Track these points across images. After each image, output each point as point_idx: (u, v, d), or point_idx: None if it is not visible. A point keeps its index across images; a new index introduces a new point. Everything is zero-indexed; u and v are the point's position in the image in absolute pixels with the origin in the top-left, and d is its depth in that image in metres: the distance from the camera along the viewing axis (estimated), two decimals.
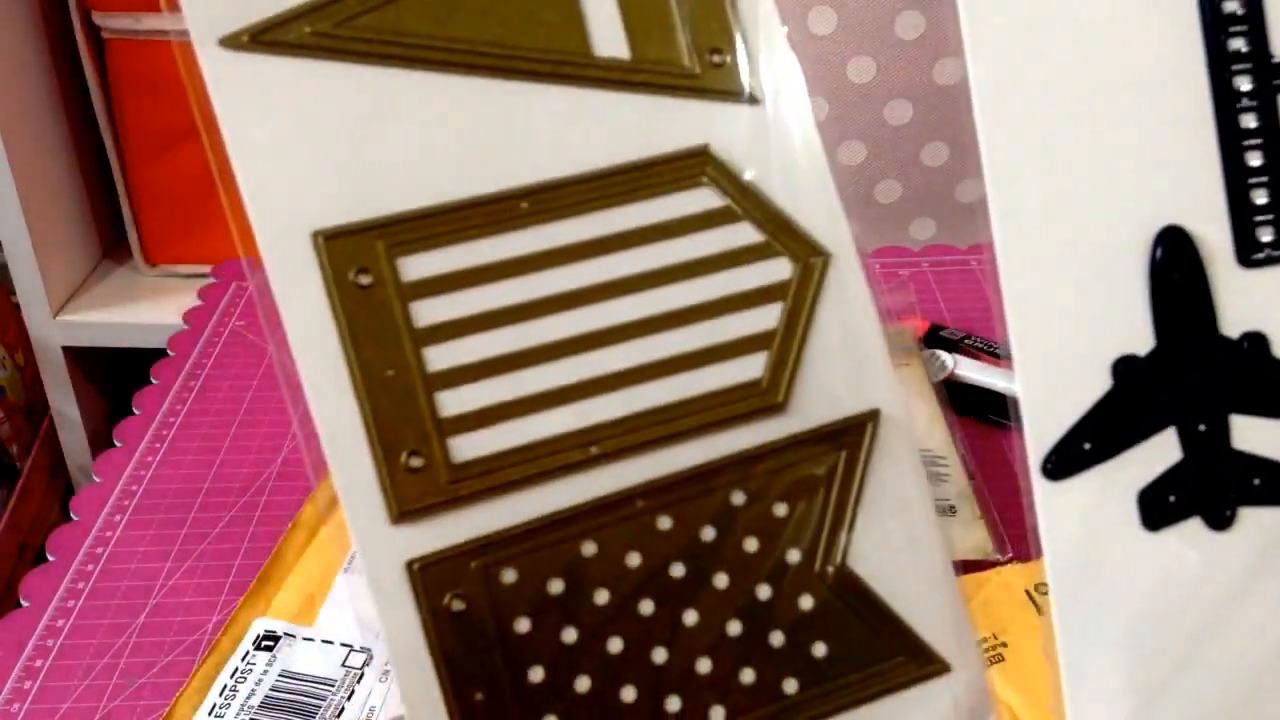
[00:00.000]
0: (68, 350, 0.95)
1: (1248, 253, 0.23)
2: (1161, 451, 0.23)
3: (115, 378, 1.01)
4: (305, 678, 0.51)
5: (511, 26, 0.22)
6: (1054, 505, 0.23)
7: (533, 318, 0.23)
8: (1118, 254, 0.22)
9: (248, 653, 0.52)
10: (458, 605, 0.22)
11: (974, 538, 0.57)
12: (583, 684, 0.23)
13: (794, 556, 0.24)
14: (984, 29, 0.23)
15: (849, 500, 0.24)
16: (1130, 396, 0.23)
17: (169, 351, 0.75)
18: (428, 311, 0.23)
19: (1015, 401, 0.23)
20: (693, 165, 0.24)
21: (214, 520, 0.61)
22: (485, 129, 0.23)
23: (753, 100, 0.24)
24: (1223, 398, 0.22)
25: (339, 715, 0.50)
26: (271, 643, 0.53)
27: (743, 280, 0.24)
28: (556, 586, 0.23)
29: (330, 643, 0.53)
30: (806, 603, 0.24)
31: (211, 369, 0.73)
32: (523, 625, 0.23)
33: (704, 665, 0.23)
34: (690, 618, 0.23)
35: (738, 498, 0.24)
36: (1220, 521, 0.23)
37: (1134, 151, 0.22)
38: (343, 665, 0.52)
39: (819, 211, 0.24)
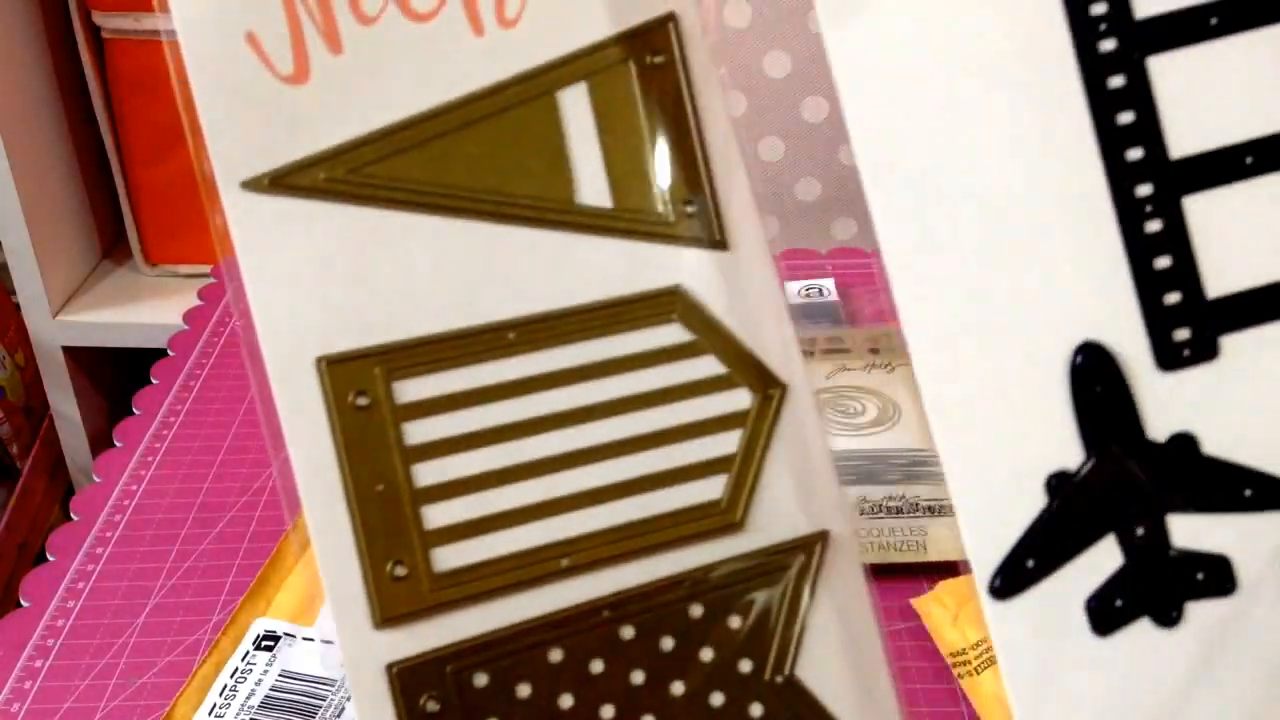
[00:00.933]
0: (68, 350, 0.95)
1: (1166, 357, 0.23)
2: (1104, 558, 0.23)
3: (115, 378, 1.01)
4: (305, 678, 0.51)
5: (504, 176, 0.25)
6: (1005, 623, 0.24)
7: (514, 439, 0.25)
8: (1037, 370, 0.23)
9: (248, 653, 0.52)
10: (432, 706, 0.25)
11: None
12: None
13: (746, 666, 0.26)
14: (877, 146, 0.24)
15: (798, 613, 0.26)
16: (1066, 511, 0.23)
17: (169, 351, 0.75)
18: (418, 431, 0.25)
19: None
20: (664, 303, 0.26)
21: (214, 520, 0.61)
22: (478, 267, 0.25)
23: (720, 245, 0.26)
24: (1157, 501, 0.23)
25: (339, 715, 0.49)
26: (271, 643, 0.53)
27: (706, 408, 0.26)
28: (524, 691, 0.25)
29: (330, 643, 0.53)
30: (756, 710, 0.26)
31: (211, 369, 0.73)
32: None
33: None
34: None
35: (695, 610, 0.26)
36: (1168, 620, 0.23)
37: (1042, 267, 0.23)
38: (343, 665, 0.51)
39: (776, 346, 0.26)
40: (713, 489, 0.26)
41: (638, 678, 0.25)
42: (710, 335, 0.26)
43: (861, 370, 0.68)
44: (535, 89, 0.26)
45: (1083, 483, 0.23)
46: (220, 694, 0.50)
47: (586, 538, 0.25)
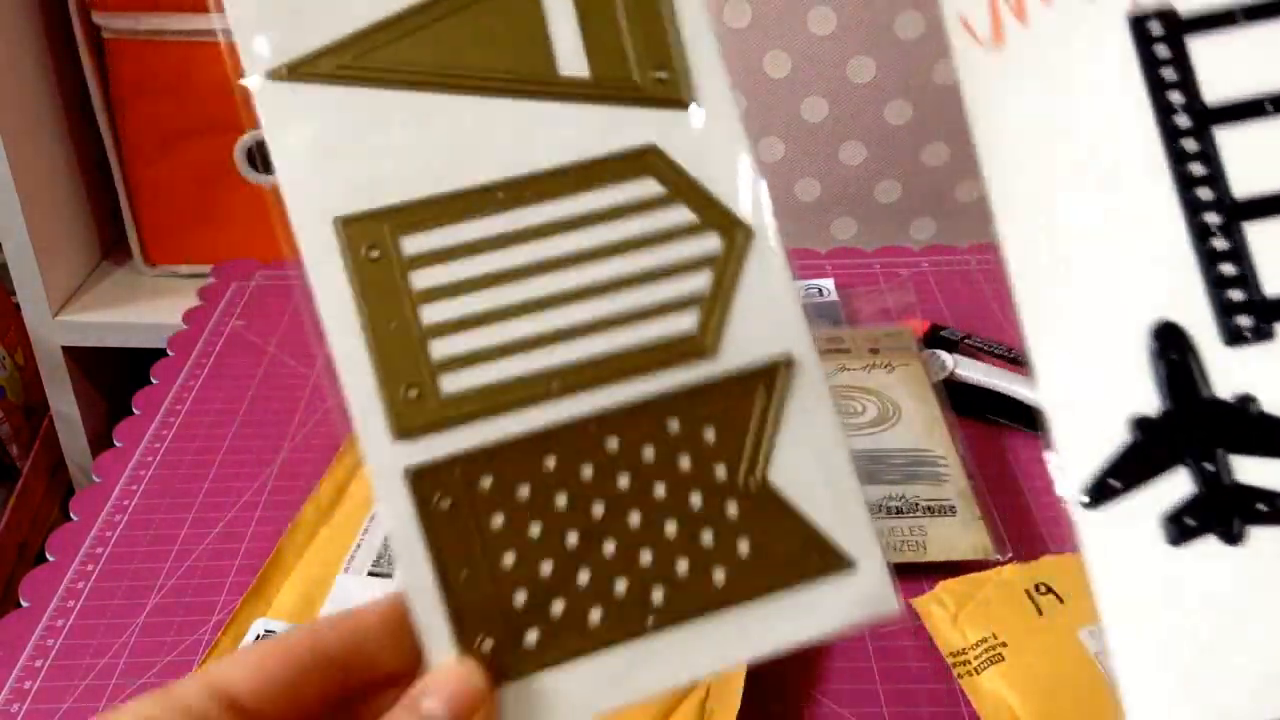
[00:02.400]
0: (68, 350, 0.95)
1: (1231, 336, 0.30)
2: (1176, 486, 0.29)
3: (115, 378, 1.01)
4: None
5: (491, 55, 0.30)
6: (1092, 527, 0.29)
7: (506, 283, 0.29)
8: (1126, 340, 0.30)
9: None
10: (444, 503, 0.29)
11: (974, 538, 0.57)
12: (546, 568, 0.29)
13: (721, 472, 0.30)
14: (1001, 161, 0.31)
15: (767, 425, 0.30)
16: (1146, 443, 0.29)
17: (169, 351, 0.75)
18: (422, 278, 0.29)
19: (1048, 436, 0.30)
20: (639, 160, 0.30)
21: (214, 520, 0.61)
22: (469, 135, 0.29)
23: (689, 106, 0.30)
24: (1222, 443, 0.29)
25: None
26: None
27: (680, 252, 0.30)
28: (523, 491, 0.29)
29: None
30: (732, 509, 0.30)
31: (211, 369, 0.74)
32: (497, 520, 0.29)
33: (646, 557, 0.29)
34: (634, 519, 0.29)
35: (673, 425, 0.30)
36: (1232, 538, 0.29)
37: (1133, 266, 0.30)
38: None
39: (743, 194, 0.30)
40: (687, 321, 0.30)
41: (623, 481, 0.29)
42: (681, 187, 0.30)
43: (861, 370, 0.68)
44: None
45: (1160, 423, 0.29)
46: None
47: (574, 365, 0.29)
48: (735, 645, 0.29)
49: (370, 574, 0.56)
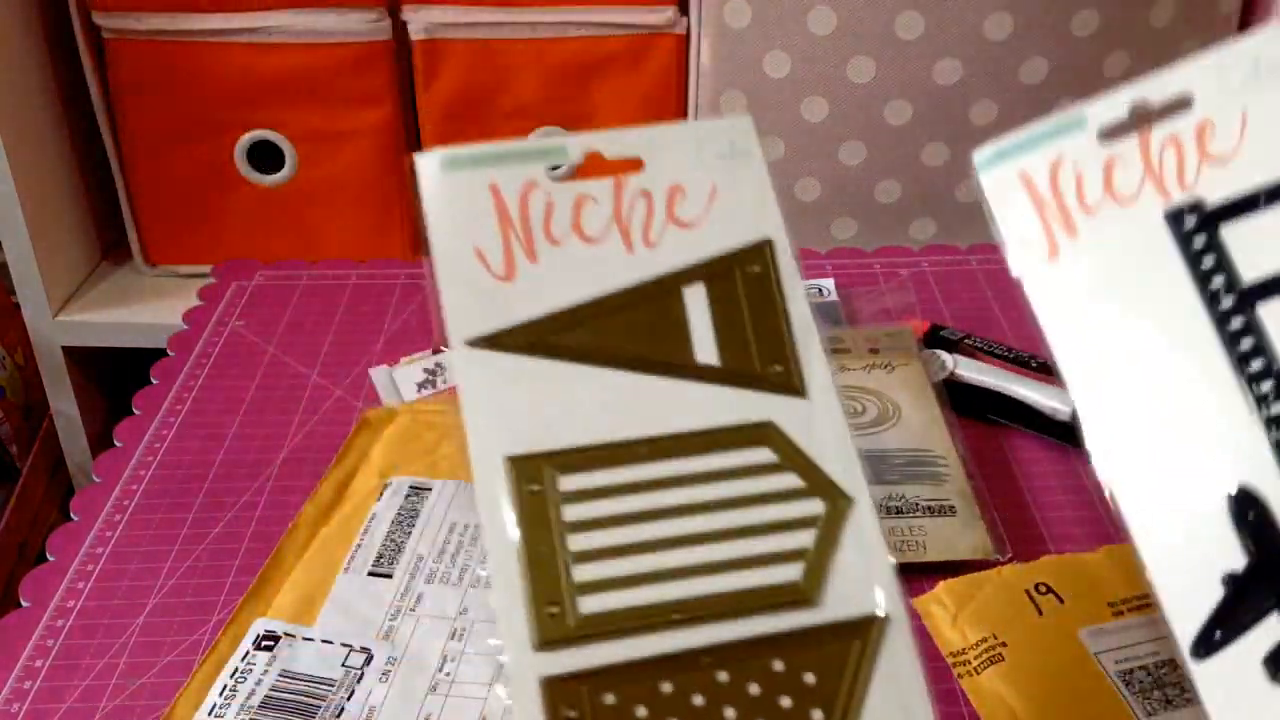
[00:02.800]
0: (68, 350, 0.95)
1: None
2: (1272, 630, 0.32)
3: (115, 378, 1.01)
4: (305, 678, 0.51)
5: (643, 342, 0.36)
6: (1206, 676, 0.33)
7: (641, 523, 0.34)
8: (1210, 508, 0.33)
9: (248, 653, 0.52)
10: (571, 714, 0.32)
11: (974, 538, 0.57)
12: None
13: (817, 715, 0.33)
14: (1078, 369, 0.36)
15: (860, 675, 0.33)
16: (1238, 599, 0.33)
17: (169, 351, 0.75)
18: (573, 512, 0.34)
19: (1159, 601, 0.34)
20: (757, 432, 0.35)
21: (214, 520, 0.61)
22: (621, 401, 0.35)
23: (799, 394, 0.36)
24: None
25: (339, 715, 0.50)
26: (271, 643, 0.53)
27: (788, 512, 0.35)
28: (641, 712, 0.32)
29: (330, 643, 0.53)
30: None
31: (211, 369, 0.74)
32: None
33: None
34: None
35: (777, 664, 0.33)
36: None
37: (1205, 437, 0.34)
38: (343, 665, 0.52)
39: (845, 469, 0.35)
40: (793, 572, 0.34)
41: (730, 713, 0.32)
42: (791, 458, 0.35)
43: (861, 370, 0.68)
44: (668, 286, 0.37)
45: (1249, 576, 0.33)
46: (220, 694, 0.50)
47: (694, 600, 0.33)
48: None
49: (370, 574, 0.56)
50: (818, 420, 0.36)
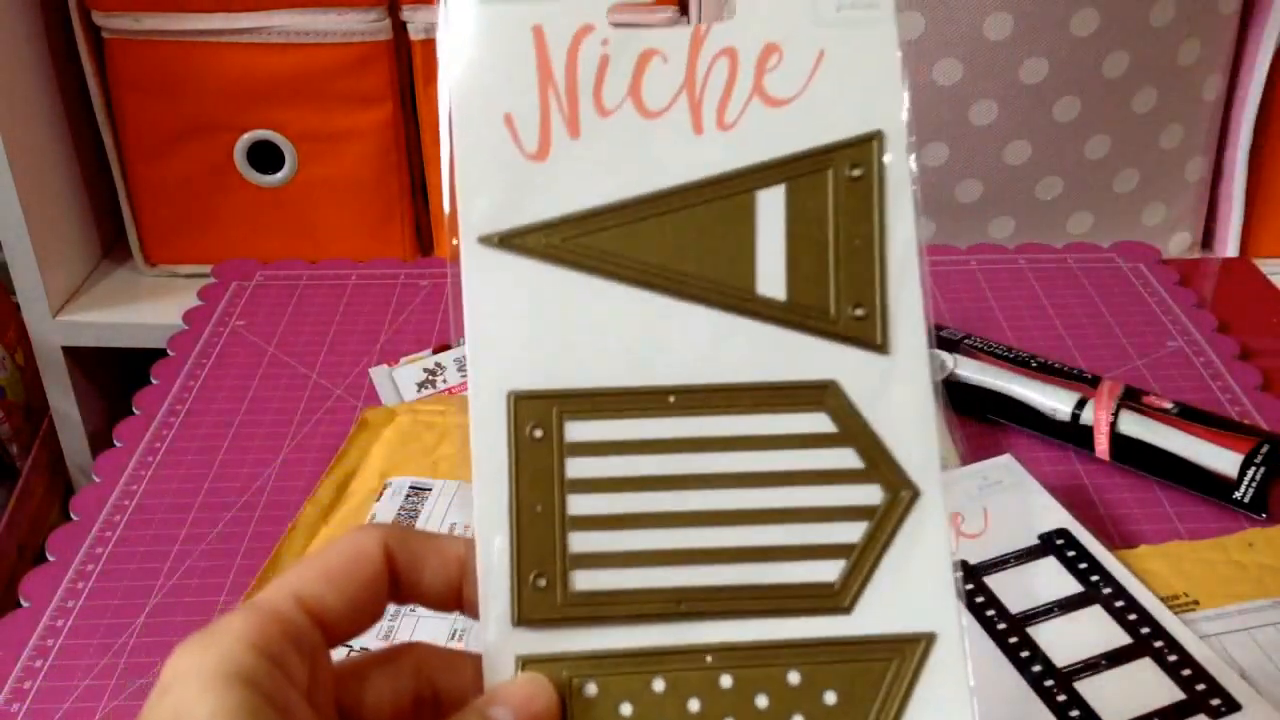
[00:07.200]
0: (68, 350, 0.95)
1: None
2: None
3: (115, 378, 1.01)
4: None
5: (693, 259, 0.29)
6: None
7: (657, 490, 0.29)
8: None
9: None
10: None
11: None
12: None
13: None
14: None
15: (891, 704, 0.28)
16: None
17: (169, 351, 0.75)
18: (578, 467, 0.29)
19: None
20: (816, 394, 0.29)
21: (214, 520, 0.61)
22: (655, 335, 0.29)
23: (880, 349, 0.29)
24: None
25: None
26: None
27: (838, 497, 0.29)
28: (626, 709, 0.28)
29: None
30: None
31: (211, 369, 0.74)
32: None
33: None
34: None
35: (793, 677, 0.28)
36: None
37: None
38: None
39: (919, 454, 0.29)
40: (829, 571, 0.28)
41: None
42: (854, 430, 0.29)
43: None
44: (739, 186, 0.29)
45: None
46: None
47: (705, 589, 0.28)
48: None
49: None
50: (896, 385, 0.29)
